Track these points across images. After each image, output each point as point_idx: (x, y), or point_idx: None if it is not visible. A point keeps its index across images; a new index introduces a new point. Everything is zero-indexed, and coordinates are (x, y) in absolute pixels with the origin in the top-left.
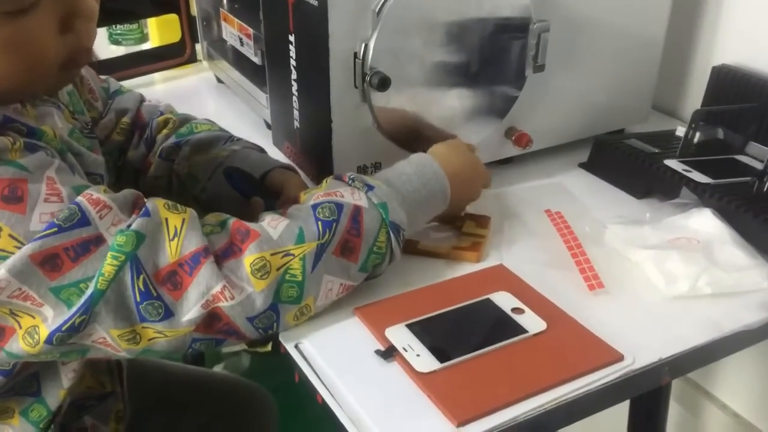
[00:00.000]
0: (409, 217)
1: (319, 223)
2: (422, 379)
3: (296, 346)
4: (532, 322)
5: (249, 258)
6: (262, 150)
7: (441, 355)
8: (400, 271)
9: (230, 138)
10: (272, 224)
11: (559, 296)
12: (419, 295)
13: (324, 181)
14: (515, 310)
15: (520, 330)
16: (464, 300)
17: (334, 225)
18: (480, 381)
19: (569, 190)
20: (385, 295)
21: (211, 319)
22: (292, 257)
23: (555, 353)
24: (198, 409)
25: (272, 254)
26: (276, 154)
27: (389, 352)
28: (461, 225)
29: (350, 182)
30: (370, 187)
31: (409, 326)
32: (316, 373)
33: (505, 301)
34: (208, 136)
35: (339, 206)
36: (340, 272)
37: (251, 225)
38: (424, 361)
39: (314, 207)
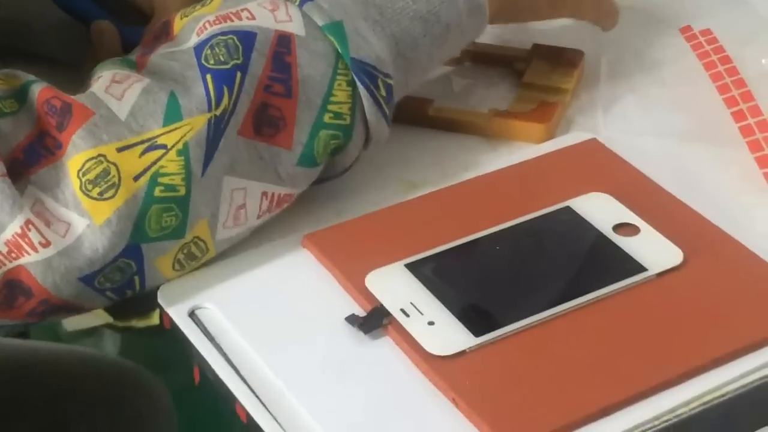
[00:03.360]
0: (400, 48)
1: (209, 77)
2: (439, 368)
3: (192, 315)
4: (654, 251)
5: (76, 159)
6: None
7: (477, 321)
8: (393, 160)
9: None
10: (115, 90)
11: (707, 199)
12: (430, 207)
13: None
14: (622, 227)
15: (631, 266)
16: (521, 212)
17: (239, 77)
18: (555, 369)
19: None
20: (360, 210)
21: (9, 289)
22: (162, 151)
23: (702, 310)
24: (35, 404)
25: (120, 149)
26: None
27: (374, 319)
28: (521, 68)
29: None
30: None
31: (411, 267)
32: (232, 366)
33: (601, 210)
34: None
35: (246, 37)
36: (260, 170)
37: (75, 96)
38: (444, 333)
39: (199, 47)
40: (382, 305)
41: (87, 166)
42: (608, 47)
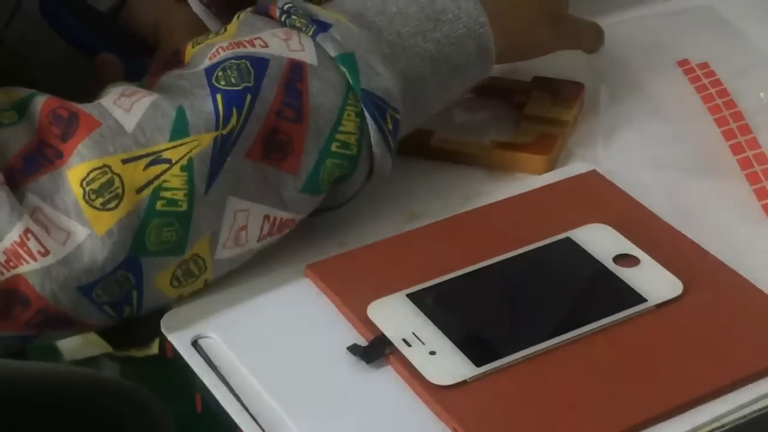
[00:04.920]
0: (408, 85)
1: (219, 96)
2: (441, 397)
3: (195, 344)
4: (654, 282)
5: (78, 169)
6: None
7: (478, 351)
8: (395, 191)
9: None
10: (124, 102)
11: (707, 230)
12: (432, 237)
13: (235, 17)
14: (622, 258)
15: (631, 297)
16: (521, 243)
17: (249, 99)
18: (556, 399)
19: (725, 17)
20: (362, 241)
21: (7, 299)
22: (166, 165)
23: (701, 341)
24: (34, 425)
25: (125, 160)
26: None
27: (376, 348)
28: (521, 100)
29: (283, 18)
30: (322, 26)
31: (413, 297)
32: (235, 395)
33: (601, 241)
34: None
35: (259, 63)
36: (265, 193)
37: (81, 106)
38: (445, 362)
39: (210, 69)
40: (383, 335)
41: (92, 175)
42: (607, 78)
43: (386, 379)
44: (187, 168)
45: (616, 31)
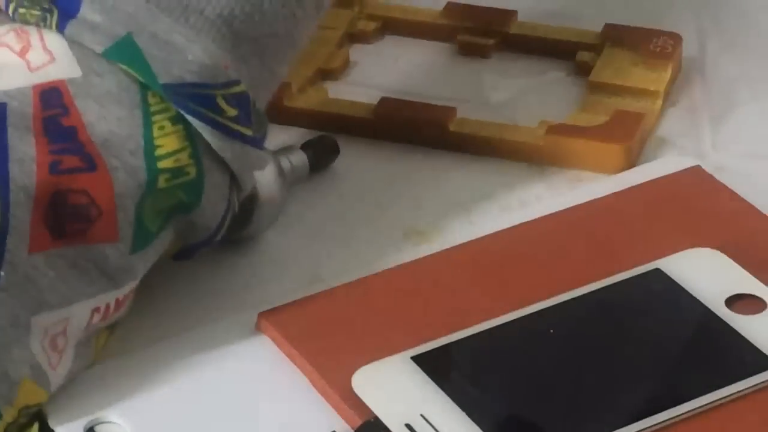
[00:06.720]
0: (238, 32)
1: None
2: None
3: None
4: None
5: None
6: None
7: None
8: (389, 200)
9: None
10: None
11: None
12: (448, 269)
13: None
14: (739, 300)
15: (753, 358)
16: (587, 278)
17: None
18: None
19: None
20: (343, 276)
21: None
22: None
23: None
24: None
25: None
26: None
27: None
28: (587, 60)
29: (12, 11)
30: (67, 8)
31: (421, 361)
32: None
33: (708, 274)
34: None
35: None
36: (80, 284)
37: None
38: None
39: None
40: (377, 419)
41: None
42: (718, 28)
43: None
44: None
45: None
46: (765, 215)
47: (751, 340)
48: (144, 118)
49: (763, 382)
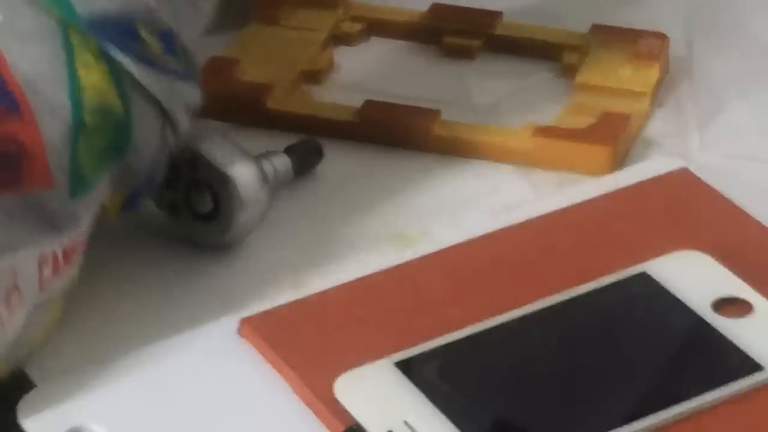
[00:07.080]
0: None
1: None
2: None
3: None
4: None
5: None
6: None
7: None
8: (373, 204)
9: None
10: None
11: None
12: (433, 274)
13: None
14: (726, 304)
15: (739, 362)
16: (573, 281)
17: None
18: None
19: None
20: (326, 281)
21: None
22: None
23: None
24: None
25: None
26: None
27: None
28: (573, 61)
29: None
30: None
31: (405, 367)
32: None
33: (695, 278)
34: None
35: None
36: (20, 232)
37: None
38: None
39: None
40: (359, 425)
41: None
42: (705, 29)
43: None
44: None
45: None
46: (752, 217)
47: (737, 344)
48: (67, 56)
49: (749, 386)
